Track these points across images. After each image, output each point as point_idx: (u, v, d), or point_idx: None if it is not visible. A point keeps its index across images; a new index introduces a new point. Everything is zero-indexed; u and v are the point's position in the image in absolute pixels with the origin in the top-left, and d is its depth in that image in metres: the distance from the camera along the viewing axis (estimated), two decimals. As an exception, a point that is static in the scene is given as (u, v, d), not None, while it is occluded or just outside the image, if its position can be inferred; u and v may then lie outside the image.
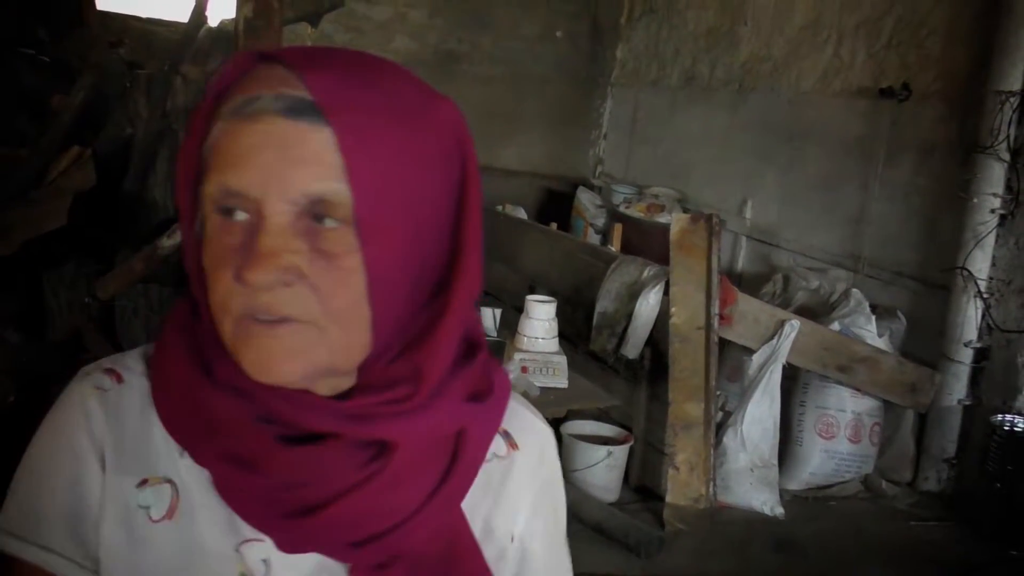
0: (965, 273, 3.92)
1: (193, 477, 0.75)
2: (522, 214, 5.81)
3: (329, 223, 0.68)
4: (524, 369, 2.76)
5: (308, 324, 0.68)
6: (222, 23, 4.65)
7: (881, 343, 4.00)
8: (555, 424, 3.82)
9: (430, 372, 0.73)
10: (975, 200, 3.91)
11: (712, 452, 3.62)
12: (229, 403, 0.72)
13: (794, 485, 3.96)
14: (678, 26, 6.30)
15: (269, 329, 0.68)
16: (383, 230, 0.69)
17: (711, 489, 3.60)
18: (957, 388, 3.99)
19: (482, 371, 0.79)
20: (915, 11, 4.50)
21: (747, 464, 3.72)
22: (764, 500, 3.70)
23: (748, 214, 5.47)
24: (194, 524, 0.75)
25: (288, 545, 0.73)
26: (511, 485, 0.85)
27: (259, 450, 0.72)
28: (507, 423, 0.85)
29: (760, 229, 5.38)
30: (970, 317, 3.94)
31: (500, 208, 5.67)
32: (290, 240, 0.67)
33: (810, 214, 5.03)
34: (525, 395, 2.73)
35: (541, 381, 2.77)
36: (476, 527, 0.80)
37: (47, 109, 3.81)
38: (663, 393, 3.68)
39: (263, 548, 0.74)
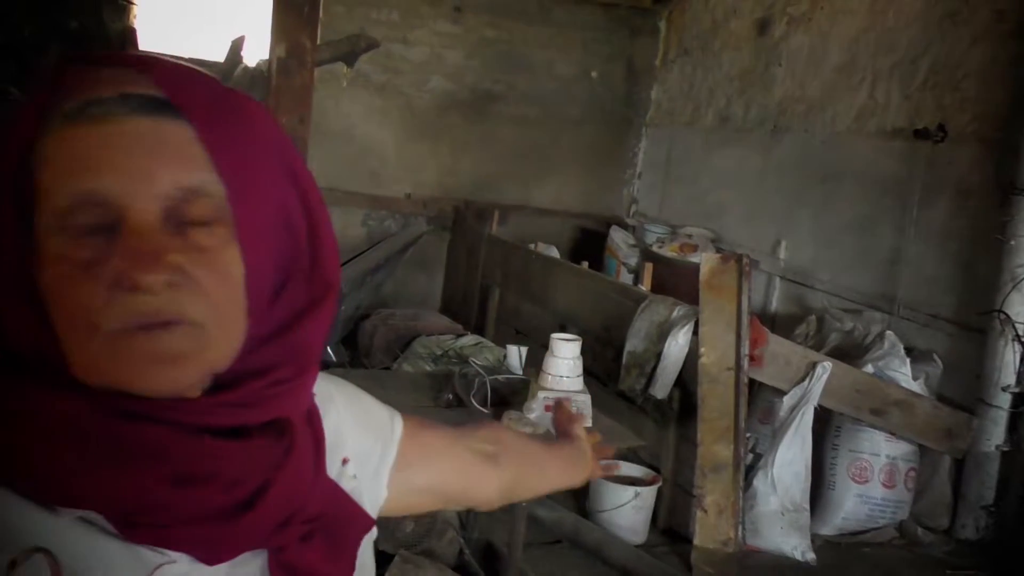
0: (1002, 316, 3.85)
1: (70, 531, 0.67)
2: (554, 253, 5.82)
3: (201, 217, 0.67)
4: (548, 408, 2.74)
5: (195, 325, 0.66)
6: (259, 63, 4.74)
7: (916, 386, 3.94)
8: (582, 464, 3.79)
9: (314, 351, 0.75)
10: (1012, 242, 3.85)
11: (741, 495, 3.57)
12: (153, 426, 0.66)
13: (826, 530, 3.89)
14: (712, 67, 6.32)
15: (157, 335, 0.65)
16: (253, 220, 0.69)
17: (740, 532, 3.54)
18: (995, 433, 3.90)
19: None
20: (951, 53, 4.48)
21: (778, 508, 3.66)
22: (795, 545, 3.63)
23: (782, 255, 5.43)
24: None
25: (217, 553, 0.70)
26: (328, 424, 0.89)
27: (205, 455, 0.68)
28: None
29: (794, 270, 5.34)
30: (1008, 361, 3.87)
31: (532, 247, 5.68)
32: (167, 239, 0.65)
33: (845, 255, 4.98)
34: (548, 434, 2.71)
35: (565, 420, 2.75)
36: None
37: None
38: (692, 434, 3.64)
39: (176, 569, 0.70)
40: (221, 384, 0.71)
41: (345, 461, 0.89)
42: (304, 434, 0.77)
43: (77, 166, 0.65)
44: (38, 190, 0.66)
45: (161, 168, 0.65)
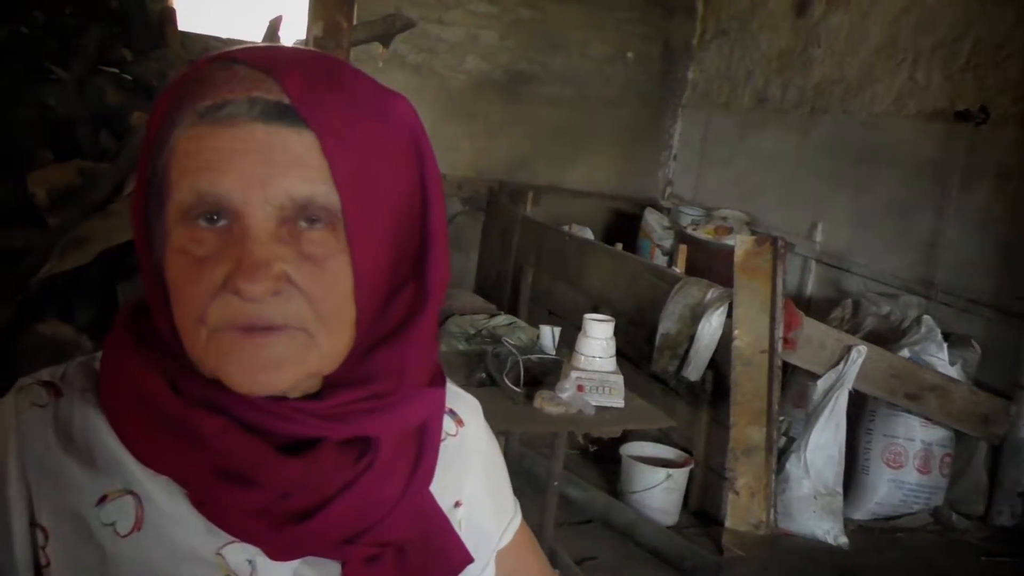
0: (1043, 301, 3.80)
1: (158, 486, 0.72)
2: (589, 234, 5.80)
3: (315, 226, 0.67)
4: (580, 388, 2.75)
5: (299, 331, 0.67)
6: (295, 43, 4.76)
7: (953, 372, 3.90)
8: (614, 444, 3.80)
9: (411, 366, 0.74)
10: (1054, 226, 3.80)
11: (773, 478, 3.56)
12: (213, 419, 0.69)
13: (859, 515, 3.87)
14: (750, 48, 6.26)
15: (259, 338, 0.66)
16: (366, 229, 0.69)
17: (772, 515, 3.54)
18: (1033, 420, 3.86)
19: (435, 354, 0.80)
20: (994, 32, 4.40)
21: (810, 491, 3.64)
22: (827, 529, 3.62)
23: (818, 238, 5.38)
24: (167, 533, 0.71)
25: (280, 553, 0.72)
26: (460, 459, 0.88)
27: (256, 463, 0.69)
28: (450, 401, 0.87)
29: (830, 253, 5.29)
30: (1047, 347, 3.82)
31: (567, 228, 5.67)
32: (278, 247, 0.66)
33: (882, 239, 4.93)
34: (580, 414, 2.72)
35: (596, 400, 2.75)
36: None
37: (127, 126, 3.95)
38: (724, 416, 3.64)
39: (247, 549, 0.72)
40: (319, 391, 0.72)
41: (458, 504, 0.87)
42: (400, 455, 0.76)
43: (201, 165, 0.66)
44: (169, 182, 0.68)
45: (278, 176, 0.65)
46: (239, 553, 0.72)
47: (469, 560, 0.82)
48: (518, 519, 0.96)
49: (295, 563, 0.74)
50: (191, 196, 0.66)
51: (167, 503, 0.71)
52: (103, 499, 0.71)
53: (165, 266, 0.69)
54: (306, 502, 0.70)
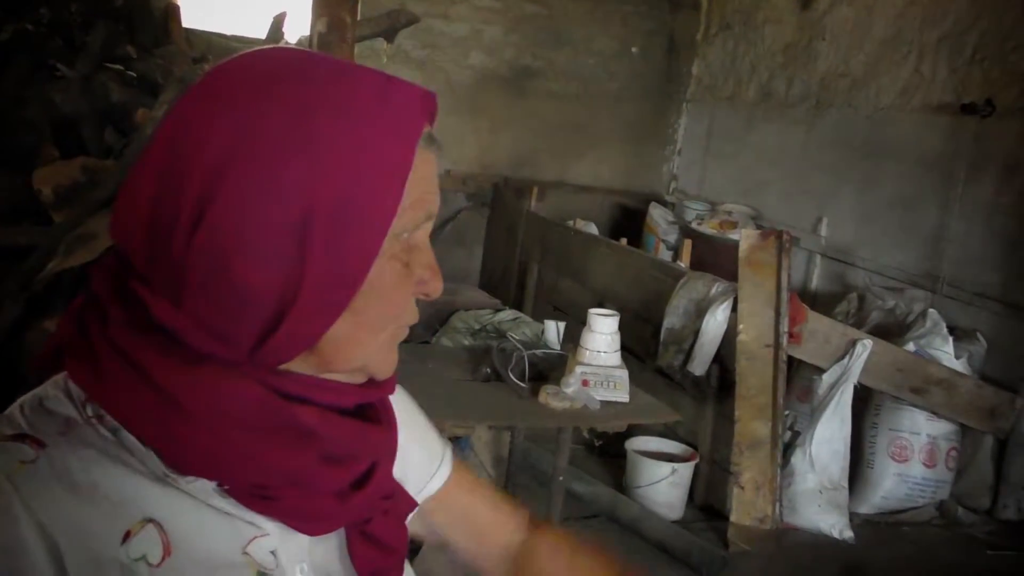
0: (1049, 295, 3.79)
1: (174, 502, 0.72)
2: (593, 229, 5.80)
3: None
4: (585, 382, 2.75)
5: None
6: (299, 39, 4.77)
7: (959, 365, 3.89)
8: (619, 439, 3.80)
9: None
10: (1060, 219, 3.79)
11: (779, 472, 3.56)
12: (308, 408, 0.73)
13: (865, 509, 3.87)
14: (755, 42, 6.24)
15: (404, 329, 0.79)
16: None
17: (777, 510, 3.54)
18: (1039, 414, 3.85)
19: None
20: (1000, 25, 4.38)
21: (815, 485, 3.64)
22: (833, 523, 3.61)
23: (823, 232, 5.37)
24: (197, 548, 0.72)
25: (321, 526, 0.77)
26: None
27: (354, 438, 0.77)
28: None
29: (835, 247, 5.28)
30: (1054, 340, 3.81)
31: (571, 223, 5.67)
32: None
33: (887, 233, 4.92)
34: (585, 409, 2.73)
35: (602, 395, 2.75)
36: None
37: (132, 122, 3.96)
38: (729, 411, 3.64)
39: (268, 541, 0.76)
40: None
41: None
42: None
43: (431, 187, 0.76)
44: (408, 202, 0.73)
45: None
46: (262, 547, 0.76)
47: (415, 504, 0.90)
48: (448, 464, 1.03)
49: (306, 543, 0.78)
50: (426, 215, 0.75)
51: (184, 518, 0.72)
52: (127, 536, 0.70)
53: (382, 277, 0.73)
54: (360, 469, 0.77)
